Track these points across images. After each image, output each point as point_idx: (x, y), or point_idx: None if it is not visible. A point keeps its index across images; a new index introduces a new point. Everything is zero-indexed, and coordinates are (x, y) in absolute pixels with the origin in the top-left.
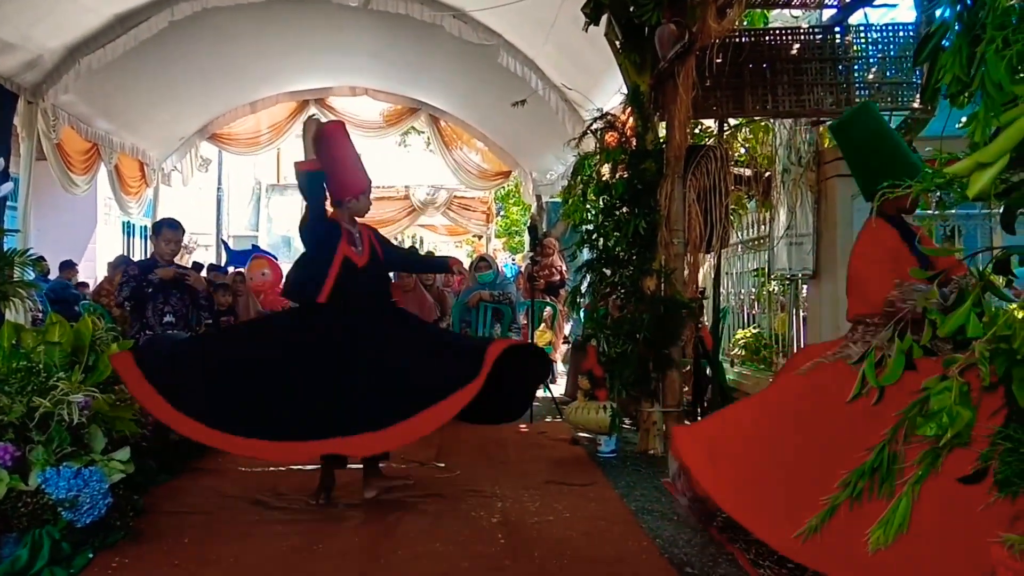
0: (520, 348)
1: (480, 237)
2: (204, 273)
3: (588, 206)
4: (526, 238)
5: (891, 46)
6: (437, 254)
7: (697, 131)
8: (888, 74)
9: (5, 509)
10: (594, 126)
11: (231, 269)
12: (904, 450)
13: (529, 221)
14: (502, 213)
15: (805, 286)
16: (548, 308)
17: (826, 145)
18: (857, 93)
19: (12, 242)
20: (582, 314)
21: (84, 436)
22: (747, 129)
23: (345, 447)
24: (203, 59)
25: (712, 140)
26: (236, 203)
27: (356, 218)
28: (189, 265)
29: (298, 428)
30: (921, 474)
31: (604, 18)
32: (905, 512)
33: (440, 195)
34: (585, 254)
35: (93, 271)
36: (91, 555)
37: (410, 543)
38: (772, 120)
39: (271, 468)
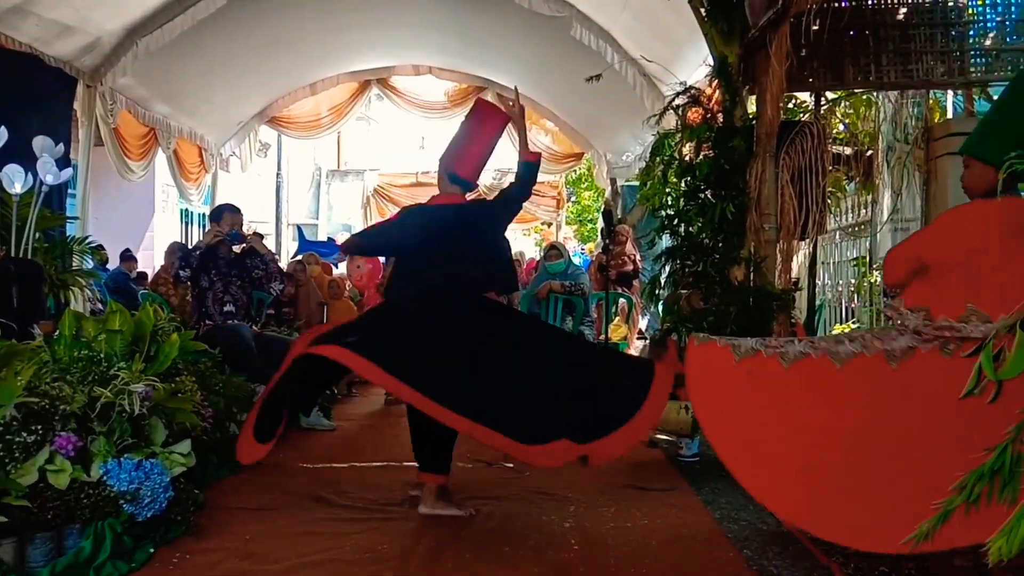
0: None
1: (549, 224)
2: None
3: (668, 189)
4: (599, 224)
5: (1013, 8)
6: None
7: (791, 106)
8: (1008, 40)
9: (68, 500)
10: (676, 102)
11: (298, 257)
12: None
13: (603, 206)
14: (573, 198)
15: None
16: (623, 300)
17: (936, 120)
18: (972, 61)
19: (71, 230)
20: (660, 307)
21: (145, 428)
22: (847, 103)
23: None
24: (261, 38)
25: (808, 115)
26: (296, 189)
27: None
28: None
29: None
30: None
31: None
32: None
33: (508, 179)
34: (665, 241)
35: (151, 260)
36: (152, 550)
37: (478, 546)
38: (875, 93)
39: (333, 465)
